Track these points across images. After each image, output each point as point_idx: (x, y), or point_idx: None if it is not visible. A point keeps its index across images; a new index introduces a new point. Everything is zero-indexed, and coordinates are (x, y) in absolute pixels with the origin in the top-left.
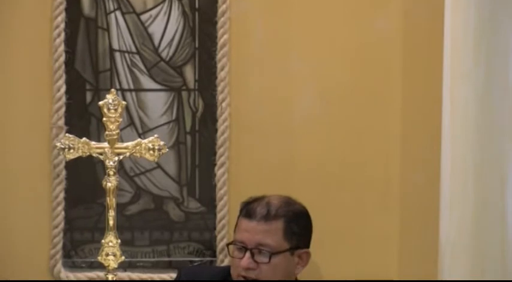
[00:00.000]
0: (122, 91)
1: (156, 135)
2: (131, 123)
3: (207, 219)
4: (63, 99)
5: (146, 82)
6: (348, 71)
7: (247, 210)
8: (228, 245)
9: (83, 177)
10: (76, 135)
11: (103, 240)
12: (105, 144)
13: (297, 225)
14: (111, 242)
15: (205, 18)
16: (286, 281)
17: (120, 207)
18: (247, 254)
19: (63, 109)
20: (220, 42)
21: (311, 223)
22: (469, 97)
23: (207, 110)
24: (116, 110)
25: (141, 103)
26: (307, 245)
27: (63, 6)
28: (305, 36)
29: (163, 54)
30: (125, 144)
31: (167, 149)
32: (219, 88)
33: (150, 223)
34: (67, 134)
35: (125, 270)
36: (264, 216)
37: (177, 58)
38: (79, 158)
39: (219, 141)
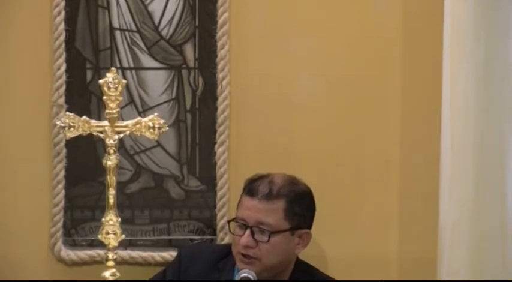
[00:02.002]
0: (122, 69)
1: (156, 114)
2: (131, 101)
3: (207, 197)
4: (64, 78)
5: (146, 60)
6: (348, 49)
7: (250, 188)
8: (229, 221)
9: (83, 156)
10: (76, 114)
11: (103, 219)
12: (105, 123)
13: (299, 205)
14: (111, 221)
15: None
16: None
17: (120, 186)
18: (247, 232)
19: (64, 87)
20: (220, 20)
21: (314, 204)
22: (469, 77)
23: (207, 89)
24: (116, 88)
25: (141, 81)
26: (309, 226)
27: None
28: (306, 14)
29: (164, 33)
30: (125, 123)
31: (167, 128)
32: (219, 66)
33: (150, 201)
34: (67, 113)
35: (125, 249)
36: (265, 195)
37: (177, 36)
38: (79, 137)
39: (219, 120)
